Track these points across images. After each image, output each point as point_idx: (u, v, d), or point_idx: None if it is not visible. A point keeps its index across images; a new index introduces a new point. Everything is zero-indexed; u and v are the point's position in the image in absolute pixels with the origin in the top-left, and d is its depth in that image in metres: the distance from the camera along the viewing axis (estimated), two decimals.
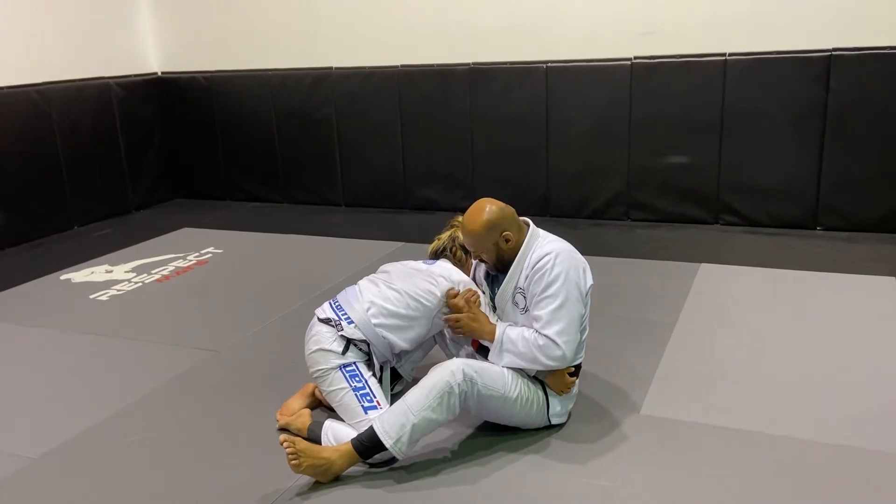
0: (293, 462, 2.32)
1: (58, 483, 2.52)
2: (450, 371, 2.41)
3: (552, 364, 2.48)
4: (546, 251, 2.50)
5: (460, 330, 2.60)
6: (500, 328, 2.55)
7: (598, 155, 5.42)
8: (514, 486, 2.37)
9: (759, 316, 3.61)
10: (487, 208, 2.55)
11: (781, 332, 3.41)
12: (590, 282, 2.57)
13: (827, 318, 3.56)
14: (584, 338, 2.61)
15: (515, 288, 2.58)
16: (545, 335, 2.45)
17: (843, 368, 3.04)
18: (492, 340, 2.56)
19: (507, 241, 2.54)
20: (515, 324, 2.60)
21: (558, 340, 2.44)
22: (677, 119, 5.16)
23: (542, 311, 2.47)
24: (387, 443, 2.37)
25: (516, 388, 2.52)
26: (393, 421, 2.38)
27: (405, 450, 2.39)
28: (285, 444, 2.31)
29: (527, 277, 2.53)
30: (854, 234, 4.87)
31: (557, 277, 2.45)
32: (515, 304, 2.59)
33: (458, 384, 2.39)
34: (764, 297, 3.84)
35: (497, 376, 2.50)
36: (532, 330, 2.50)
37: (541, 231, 2.63)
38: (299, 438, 2.41)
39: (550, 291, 2.45)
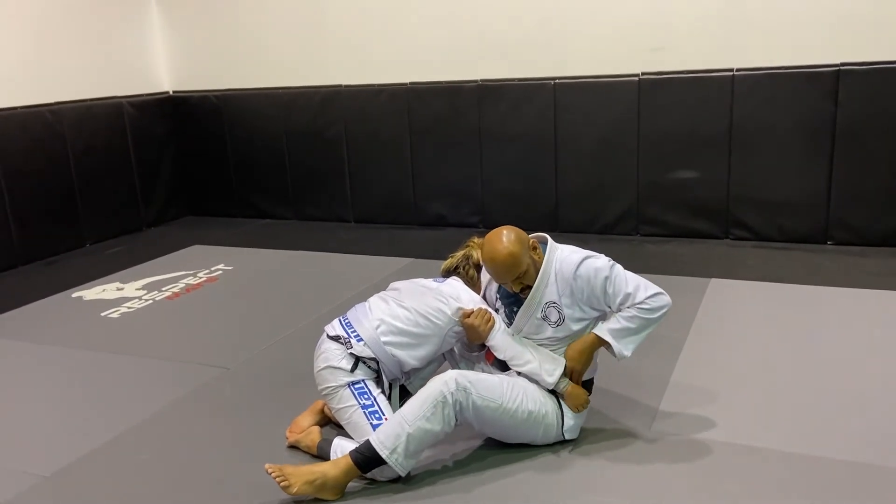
0: (283, 484, 2.33)
1: (69, 501, 2.53)
2: (443, 381, 2.43)
3: (666, 309, 2.53)
4: (575, 261, 2.53)
5: (574, 371, 2.61)
6: (597, 331, 2.56)
7: (607, 170, 5.42)
8: (521, 502, 2.35)
9: (771, 331, 3.59)
10: (504, 232, 2.54)
11: (793, 348, 3.39)
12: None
13: (838, 333, 3.53)
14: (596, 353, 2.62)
15: (546, 303, 2.57)
16: (643, 300, 2.50)
17: (855, 384, 3.02)
18: (598, 347, 2.58)
19: (535, 247, 2.57)
20: (541, 336, 2.61)
21: (653, 291, 2.51)
22: (686, 134, 5.16)
23: (622, 293, 2.51)
24: (383, 453, 2.37)
25: (517, 400, 2.51)
26: (389, 431, 2.40)
27: (402, 461, 2.39)
28: (269, 470, 2.34)
29: (564, 291, 2.53)
30: (865, 248, 4.84)
31: (608, 267, 2.52)
32: (545, 317, 2.58)
33: (452, 393, 2.40)
34: (775, 313, 3.82)
35: (494, 387, 2.49)
36: (626, 309, 2.52)
37: (558, 245, 2.64)
38: (286, 465, 2.42)
39: (612, 277, 2.51)
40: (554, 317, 2.57)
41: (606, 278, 2.50)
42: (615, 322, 2.53)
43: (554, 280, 2.54)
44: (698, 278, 4.38)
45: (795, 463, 2.49)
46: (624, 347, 2.54)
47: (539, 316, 2.59)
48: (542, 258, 2.57)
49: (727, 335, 3.58)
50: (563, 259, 2.56)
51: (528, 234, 2.63)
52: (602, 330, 2.55)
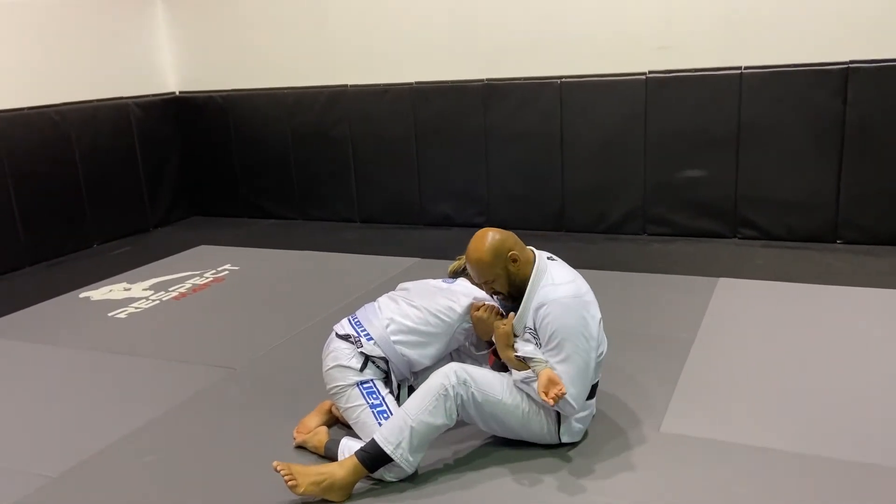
0: (290, 483, 2.33)
1: (77, 502, 2.53)
2: (444, 374, 2.44)
3: (562, 412, 2.51)
4: (544, 300, 2.45)
5: (483, 325, 2.55)
6: (522, 374, 2.50)
7: (614, 169, 5.40)
8: (526, 503, 2.35)
9: (779, 331, 3.56)
10: (490, 234, 2.55)
11: (802, 348, 3.37)
12: (597, 318, 2.54)
13: (847, 332, 3.51)
14: (601, 357, 2.59)
15: (525, 327, 2.53)
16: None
17: (865, 384, 2.99)
18: (517, 368, 2.53)
19: (515, 260, 2.51)
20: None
21: (567, 398, 2.41)
22: (693, 133, 5.13)
23: (555, 359, 2.46)
24: (387, 449, 2.37)
25: (515, 396, 2.51)
26: (392, 427, 2.41)
27: (406, 456, 2.39)
28: (276, 468, 2.34)
29: (533, 320, 2.50)
30: (874, 247, 4.81)
31: (557, 332, 2.43)
32: (526, 341, 2.54)
33: (453, 386, 2.41)
34: (783, 312, 3.79)
35: (493, 382, 2.50)
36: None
37: (549, 264, 2.57)
38: (294, 463, 2.41)
39: (553, 345, 2.45)
40: (533, 341, 2.52)
41: (552, 338, 2.42)
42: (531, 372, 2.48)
43: (534, 306, 2.49)
44: (706, 278, 4.36)
45: (804, 464, 2.47)
46: (513, 378, 2.51)
47: (523, 338, 2.56)
48: (520, 271, 2.52)
49: (736, 335, 3.56)
50: (544, 287, 2.48)
51: (528, 234, 2.59)
52: (521, 364, 2.50)
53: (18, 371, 3.68)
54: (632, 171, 5.35)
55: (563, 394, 2.35)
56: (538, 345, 2.51)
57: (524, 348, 2.51)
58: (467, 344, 2.83)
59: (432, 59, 5.83)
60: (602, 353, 2.60)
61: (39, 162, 5.61)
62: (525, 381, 2.49)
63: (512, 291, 2.55)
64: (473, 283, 2.84)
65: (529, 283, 2.51)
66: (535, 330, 2.50)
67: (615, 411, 2.86)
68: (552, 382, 2.38)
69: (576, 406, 2.46)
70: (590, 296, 2.55)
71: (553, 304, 2.44)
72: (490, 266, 2.51)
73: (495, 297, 2.66)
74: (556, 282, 2.50)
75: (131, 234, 6.39)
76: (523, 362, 2.50)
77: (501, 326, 2.56)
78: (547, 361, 2.46)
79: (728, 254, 4.89)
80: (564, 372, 2.42)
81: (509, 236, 2.57)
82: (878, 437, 2.60)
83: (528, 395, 2.51)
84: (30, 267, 5.55)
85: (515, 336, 2.56)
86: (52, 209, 5.71)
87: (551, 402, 2.33)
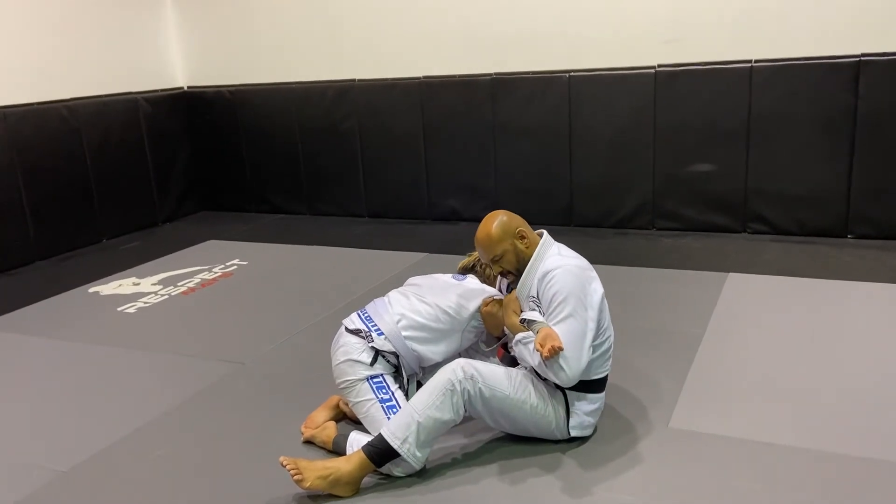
0: (296, 478, 2.33)
1: (87, 496, 2.54)
2: (451, 370, 2.45)
3: (557, 380, 2.46)
4: (551, 266, 2.50)
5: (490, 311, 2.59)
6: (521, 335, 2.53)
7: (623, 164, 5.38)
8: (538, 499, 2.34)
9: (789, 326, 3.54)
10: (498, 215, 2.60)
11: (812, 343, 3.35)
12: (599, 292, 2.54)
13: (858, 328, 3.48)
14: (607, 349, 2.59)
15: (528, 296, 2.57)
16: (560, 356, 2.42)
17: (875, 380, 2.97)
18: (515, 332, 2.57)
19: (523, 237, 2.56)
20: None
21: (560, 362, 2.40)
22: (703, 127, 5.10)
23: (553, 321, 2.47)
24: (394, 444, 2.37)
25: (523, 391, 2.50)
26: (399, 422, 2.41)
27: (414, 451, 2.39)
28: (283, 463, 2.34)
29: (537, 289, 2.53)
30: (885, 241, 4.77)
31: (558, 294, 2.45)
32: (531, 310, 2.57)
33: (460, 381, 2.41)
34: (793, 307, 3.77)
35: (501, 377, 2.49)
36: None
37: (555, 243, 2.63)
38: (300, 458, 2.41)
39: (554, 306, 2.46)
40: (536, 310, 2.55)
41: (552, 301, 2.44)
42: (529, 336, 2.48)
43: (538, 276, 2.53)
44: (716, 273, 4.34)
45: (813, 459, 2.45)
46: (517, 346, 2.53)
47: (528, 307, 2.58)
48: (529, 249, 2.57)
49: (745, 330, 3.54)
50: (549, 258, 2.53)
51: (536, 228, 2.63)
52: (522, 335, 2.51)
53: (28, 365, 3.70)
54: (641, 165, 5.32)
55: (560, 348, 2.35)
56: (542, 313, 2.53)
57: (529, 315, 2.53)
58: (478, 342, 2.83)
59: (440, 54, 5.82)
60: (609, 338, 2.60)
61: (49, 157, 5.63)
62: (523, 342, 2.50)
63: (521, 268, 2.58)
64: (483, 281, 2.84)
65: (536, 251, 2.56)
66: (538, 298, 2.52)
67: (624, 406, 2.86)
68: (549, 337, 2.38)
69: (570, 373, 2.41)
70: (593, 272, 2.59)
71: (558, 269, 2.48)
72: (498, 241, 2.54)
73: (504, 277, 2.67)
74: (562, 253, 2.58)
75: (140, 228, 6.41)
76: (526, 327, 2.52)
77: (508, 296, 2.60)
78: (548, 324, 2.47)
79: (738, 248, 4.87)
80: (562, 332, 2.42)
81: (517, 217, 2.62)
82: (889, 434, 2.58)
83: (533, 386, 2.51)
84: (39, 262, 5.57)
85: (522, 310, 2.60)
86: (61, 204, 5.73)
87: (546, 353, 2.34)
